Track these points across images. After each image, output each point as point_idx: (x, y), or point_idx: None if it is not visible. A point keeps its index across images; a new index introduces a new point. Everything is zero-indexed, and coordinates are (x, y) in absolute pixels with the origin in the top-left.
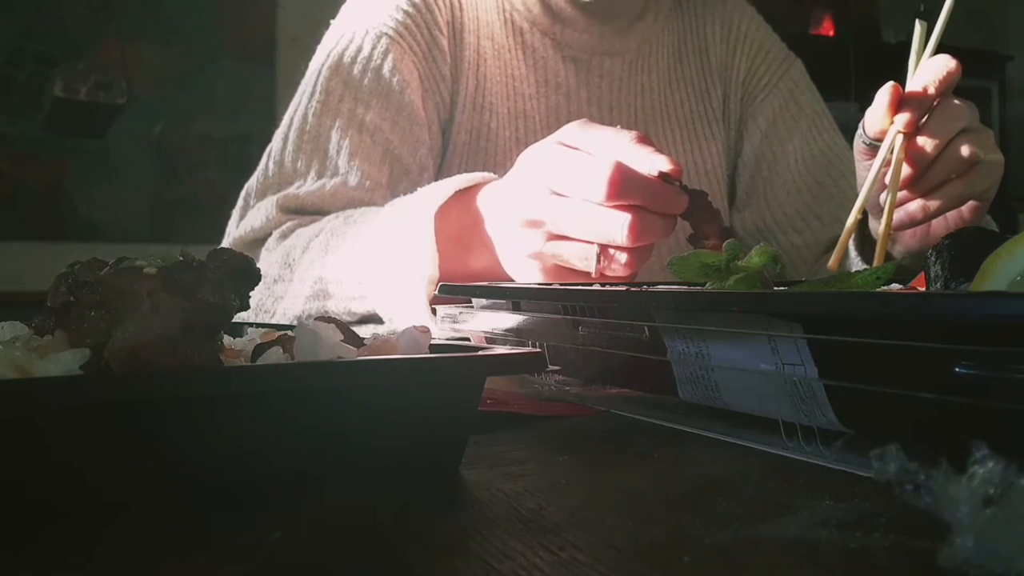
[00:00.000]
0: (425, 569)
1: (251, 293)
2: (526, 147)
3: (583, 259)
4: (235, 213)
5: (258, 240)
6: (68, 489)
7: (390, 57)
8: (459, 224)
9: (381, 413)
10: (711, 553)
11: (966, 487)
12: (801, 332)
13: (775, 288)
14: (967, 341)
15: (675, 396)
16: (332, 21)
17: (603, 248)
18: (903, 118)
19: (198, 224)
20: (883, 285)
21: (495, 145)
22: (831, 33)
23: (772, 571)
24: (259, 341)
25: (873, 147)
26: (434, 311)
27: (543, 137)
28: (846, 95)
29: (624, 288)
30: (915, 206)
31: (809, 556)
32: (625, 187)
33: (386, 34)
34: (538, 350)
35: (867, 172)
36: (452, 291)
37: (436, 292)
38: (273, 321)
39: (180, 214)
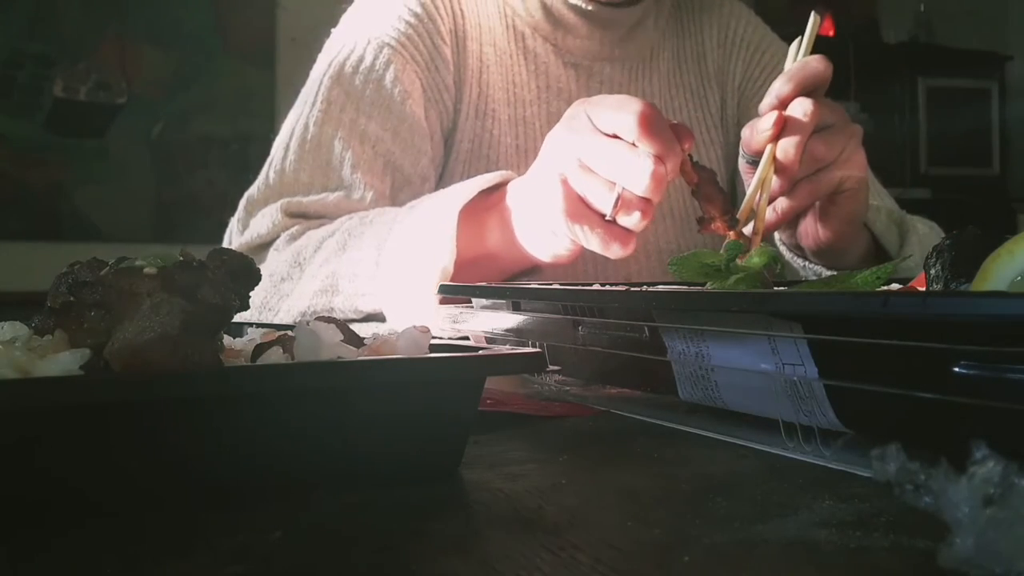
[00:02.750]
0: (425, 569)
1: (257, 292)
2: (527, 154)
3: (603, 196)
4: (235, 223)
5: (264, 245)
6: (67, 489)
7: (392, 68)
8: (478, 216)
9: (381, 413)
10: (711, 553)
11: (966, 487)
12: (801, 332)
13: (775, 288)
14: (967, 341)
15: (675, 396)
16: (333, 29)
17: (623, 192)
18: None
19: (198, 224)
20: (883, 285)
21: (497, 152)
22: (831, 33)
23: (772, 571)
24: (259, 341)
25: (753, 163)
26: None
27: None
28: (846, 95)
29: (624, 288)
30: (782, 204)
31: (809, 556)
32: (656, 124)
33: (388, 44)
34: (538, 350)
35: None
36: (452, 291)
37: (436, 292)
38: (277, 319)
39: (180, 214)
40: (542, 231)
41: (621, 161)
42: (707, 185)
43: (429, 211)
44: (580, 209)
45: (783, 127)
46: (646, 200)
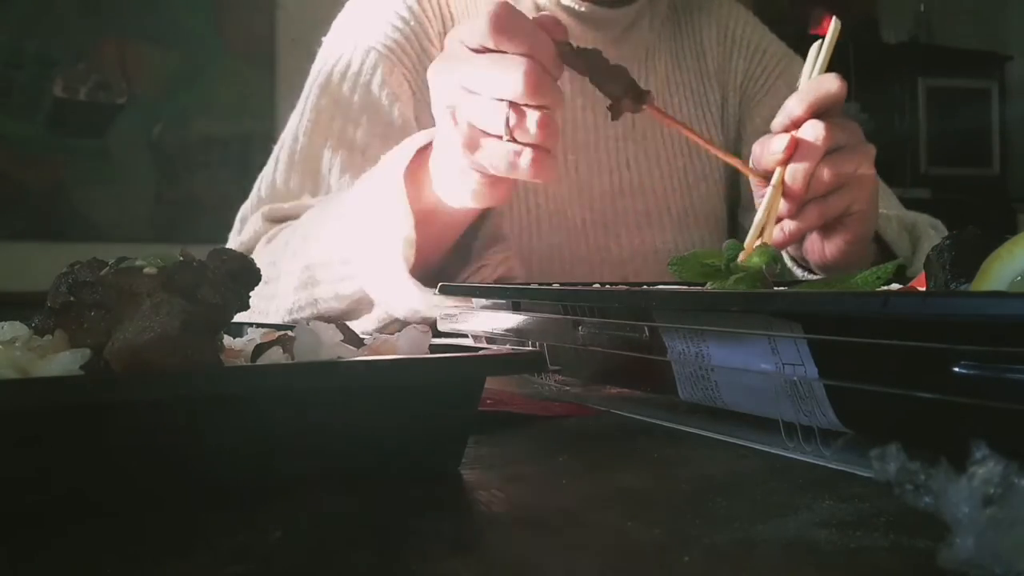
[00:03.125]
0: (425, 569)
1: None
2: None
3: (492, 117)
4: (231, 236)
5: (249, 252)
6: (67, 489)
7: (379, 71)
8: (415, 175)
9: (381, 413)
10: (711, 553)
11: (966, 487)
12: (801, 332)
13: (775, 288)
14: (967, 341)
15: (675, 396)
16: (323, 38)
17: (512, 107)
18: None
19: (198, 224)
20: (883, 285)
21: None
22: None
23: (772, 571)
24: (259, 341)
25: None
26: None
27: None
28: (846, 95)
29: (624, 288)
30: (789, 225)
31: (809, 556)
32: (509, 21)
33: (375, 48)
34: (538, 350)
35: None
36: (452, 291)
37: (435, 292)
38: (267, 322)
39: (180, 214)
40: (451, 173)
41: (493, 72)
42: (597, 66)
43: (376, 184)
44: (475, 136)
45: (795, 150)
46: (539, 107)
